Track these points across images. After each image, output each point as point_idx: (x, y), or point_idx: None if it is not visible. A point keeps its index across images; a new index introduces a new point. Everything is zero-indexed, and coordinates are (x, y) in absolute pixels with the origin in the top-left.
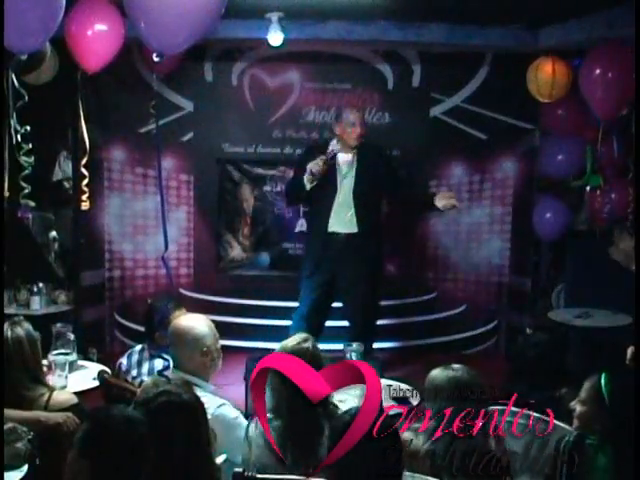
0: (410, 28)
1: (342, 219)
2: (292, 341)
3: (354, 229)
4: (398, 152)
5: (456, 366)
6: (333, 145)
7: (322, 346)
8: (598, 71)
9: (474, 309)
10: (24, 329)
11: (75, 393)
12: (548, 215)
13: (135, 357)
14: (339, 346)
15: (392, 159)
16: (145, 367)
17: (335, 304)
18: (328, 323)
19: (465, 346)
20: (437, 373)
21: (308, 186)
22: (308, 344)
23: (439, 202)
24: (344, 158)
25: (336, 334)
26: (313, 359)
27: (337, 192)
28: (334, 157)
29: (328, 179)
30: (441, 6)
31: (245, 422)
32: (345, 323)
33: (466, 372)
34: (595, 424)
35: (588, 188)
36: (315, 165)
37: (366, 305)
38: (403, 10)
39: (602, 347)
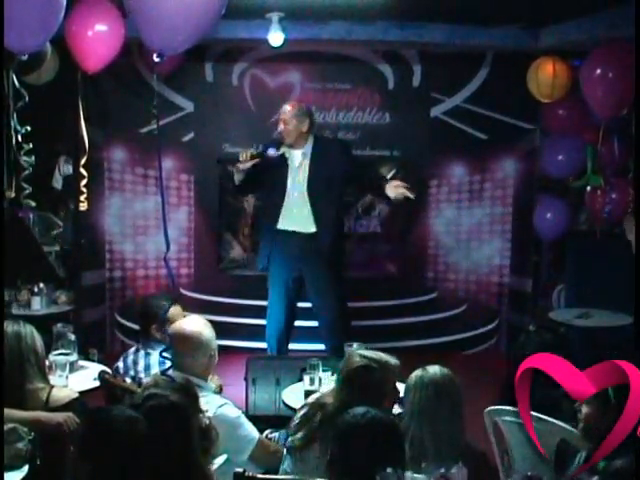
0: (410, 28)
1: (295, 217)
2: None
3: (311, 228)
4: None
5: (431, 367)
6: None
7: (301, 346)
8: (599, 71)
9: (474, 309)
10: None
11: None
12: (548, 215)
13: (130, 358)
14: (319, 346)
15: (353, 155)
16: (141, 364)
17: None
18: (309, 323)
19: (465, 346)
20: (414, 373)
21: (237, 181)
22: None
23: (390, 191)
24: (295, 155)
25: (314, 334)
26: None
27: (286, 189)
28: (262, 155)
29: (276, 176)
30: (441, 6)
31: (246, 421)
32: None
33: (441, 374)
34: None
35: (588, 188)
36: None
37: (334, 305)
38: (403, 10)
39: (602, 347)
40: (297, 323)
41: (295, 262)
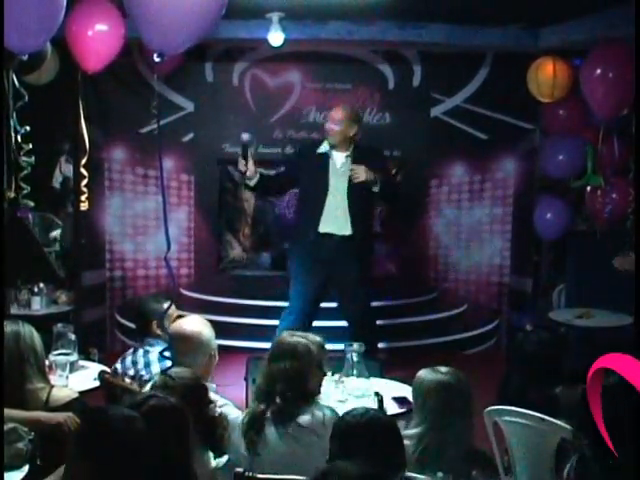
0: (410, 28)
1: (334, 219)
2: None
3: (348, 231)
4: (399, 152)
5: (444, 369)
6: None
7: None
8: (599, 71)
9: (475, 309)
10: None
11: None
12: (549, 215)
13: (129, 359)
14: (339, 346)
15: (388, 163)
16: (141, 363)
17: (333, 304)
18: (329, 323)
19: (466, 346)
20: (425, 376)
21: (250, 182)
22: (302, 339)
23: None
24: (338, 157)
25: (336, 334)
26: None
27: (328, 192)
28: (246, 153)
29: (319, 178)
30: (441, 6)
31: None
32: (344, 323)
33: (455, 377)
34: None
35: (589, 188)
36: (240, 162)
37: (363, 306)
38: (403, 10)
39: (602, 347)
40: None
41: (327, 264)
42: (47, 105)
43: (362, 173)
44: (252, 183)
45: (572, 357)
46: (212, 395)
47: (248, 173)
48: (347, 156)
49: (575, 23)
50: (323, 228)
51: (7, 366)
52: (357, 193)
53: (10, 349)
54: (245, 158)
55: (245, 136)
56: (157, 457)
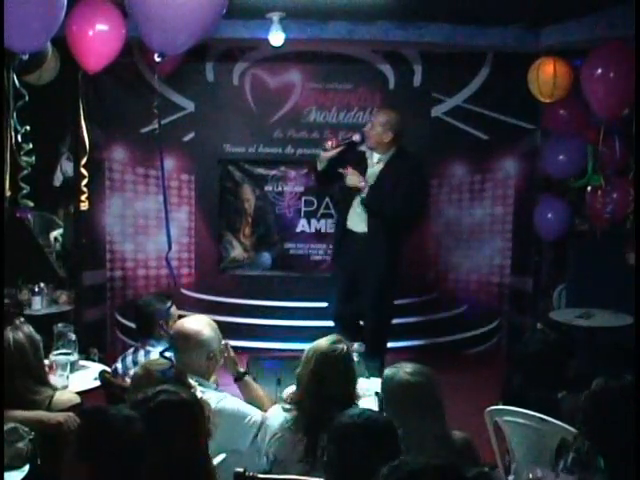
0: (411, 28)
1: (357, 216)
2: (325, 342)
3: (364, 229)
4: None
5: (409, 368)
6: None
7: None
8: (599, 71)
9: (475, 309)
10: (25, 333)
11: (76, 393)
12: (549, 215)
13: (129, 358)
14: None
15: (423, 180)
16: (141, 363)
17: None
18: (316, 323)
19: (466, 346)
20: (390, 378)
21: (319, 167)
22: (342, 345)
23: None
24: (374, 157)
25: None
26: (344, 361)
27: (360, 190)
28: (349, 145)
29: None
30: (442, 6)
31: (248, 409)
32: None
33: (420, 375)
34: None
35: (589, 188)
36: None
37: (376, 305)
38: (404, 10)
39: (603, 347)
40: (305, 323)
41: (352, 260)
42: (47, 105)
43: (354, 179)
44: (322, 166)
45: (577, 362)
46: (208, 394)
47: (327, 155)
48: (380, 158)
49: (575, 23)
50: (348, 224)
51: (7, 380)
52: (379, 196)
53: (12, 362)
54: (339, 147)
55: (357, 137)
56: (167, 452)
